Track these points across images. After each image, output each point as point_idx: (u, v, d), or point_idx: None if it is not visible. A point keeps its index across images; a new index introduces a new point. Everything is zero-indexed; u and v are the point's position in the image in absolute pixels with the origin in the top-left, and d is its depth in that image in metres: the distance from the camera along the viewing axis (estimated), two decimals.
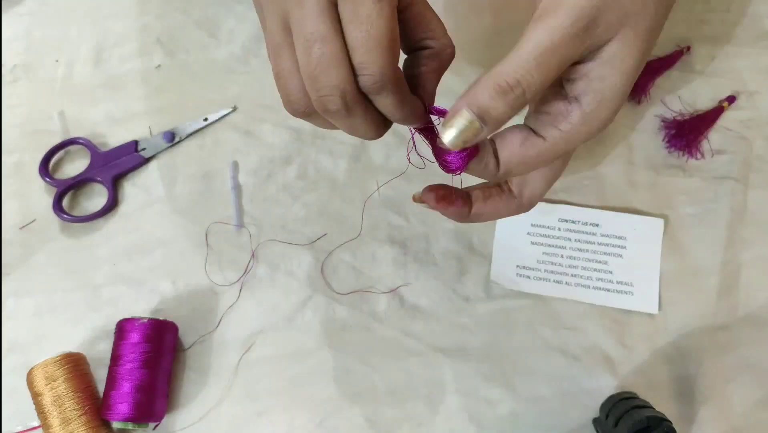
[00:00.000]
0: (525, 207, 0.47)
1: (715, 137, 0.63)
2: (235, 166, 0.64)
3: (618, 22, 0.37)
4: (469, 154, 0.40)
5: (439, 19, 0.41)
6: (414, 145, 0.44)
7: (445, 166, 0.42)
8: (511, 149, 0.41)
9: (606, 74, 0.38)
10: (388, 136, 0.63)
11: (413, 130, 0.42)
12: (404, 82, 0.38)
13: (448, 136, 0.37)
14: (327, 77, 0.36)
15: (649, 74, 0.63)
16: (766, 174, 0.62)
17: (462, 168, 0.41)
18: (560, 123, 0.40)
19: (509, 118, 0.37)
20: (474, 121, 0.37)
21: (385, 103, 0.37)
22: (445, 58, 0.41)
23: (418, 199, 0.46)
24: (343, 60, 0.36)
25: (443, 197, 0.45)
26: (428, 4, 0.41)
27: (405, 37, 0.40)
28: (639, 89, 0.63)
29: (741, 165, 0.62)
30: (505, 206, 0.47)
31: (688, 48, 0.64)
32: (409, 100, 0.39)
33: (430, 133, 0.42)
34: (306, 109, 0.38)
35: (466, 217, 0.47)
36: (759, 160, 0.62)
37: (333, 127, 0.40)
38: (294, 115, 0.39)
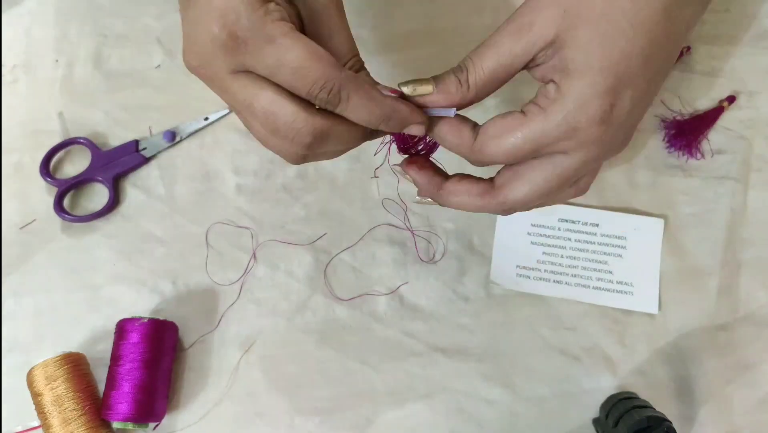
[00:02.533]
0: (501, 206, 0.44)
1: (715, 137, 0.62)
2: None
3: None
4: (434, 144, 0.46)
5: (345, 35, 0.42)
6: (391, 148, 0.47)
7: (409, 145, 0.46)
8: (491, 122, 0.42)
9: (563, 56, 0.39)
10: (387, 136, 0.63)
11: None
12: (360, 79, 0.40)
13: (405, 86, 0.41)
14: (282, 118, 0.39)
15: None
16: (766, 174, 0.62)
17: (425, 145, 0.45)
18: (539, 99, 0.41)
19: (457, 90, 0.41)
20: (429, 81, 0.42)
21: (354, 105, 0.39)
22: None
23: (399, 170, 0.47)
24: (282, 100, 0.38)
25: (415, 162, 0.46)
26: (336, 20, 0.42)
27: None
28: None
29: (741, 165, 0.62)
30: (478, 195, 0.45)
31: (688, 48, 0.64)
32: (377, 93, 0.40)
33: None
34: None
35: (436, 189, 0.45)
36: (759, 160, 0.62)
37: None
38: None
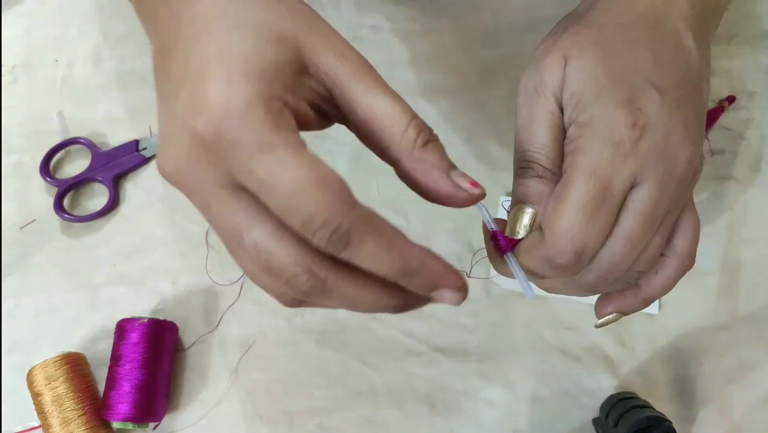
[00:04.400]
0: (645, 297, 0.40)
1: (715, 137, 0.63)
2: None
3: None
4: None
5: (389, 95, 0.33)
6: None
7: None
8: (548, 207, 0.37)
9: (570, 94, 0.38)
10: None
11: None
12: (378, 221, 0.30)
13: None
14: (277, 260, 0.30)
15: None
16: (766, 174, 0.62)
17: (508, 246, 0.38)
18: (567, 148, 0.37)
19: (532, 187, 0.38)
20: (518, 208, 0.38)
21: (366, 252, 0.30)
22: (413, 155, 0.33)
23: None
24: (280, 236, 0.30)
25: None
26: (373, 82, 0.33)
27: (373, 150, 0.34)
28: None
29: (741, 165, 0.62)
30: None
31: None
32: (401, 240, 0.31)
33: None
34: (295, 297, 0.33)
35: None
36: (759, 160, 0.62)
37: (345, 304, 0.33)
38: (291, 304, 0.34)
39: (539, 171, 0.38)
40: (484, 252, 0.41)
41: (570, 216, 0.35)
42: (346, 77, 0.33)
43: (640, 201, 0.35)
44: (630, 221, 0.35)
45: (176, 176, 0.31)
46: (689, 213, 0.39)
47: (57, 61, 0.67)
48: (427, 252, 0.32)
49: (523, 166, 0.38)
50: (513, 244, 0.38)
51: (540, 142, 0.38)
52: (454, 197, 0.33)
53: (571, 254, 0.35)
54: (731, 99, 0.63)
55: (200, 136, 0.29)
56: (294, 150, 0.29)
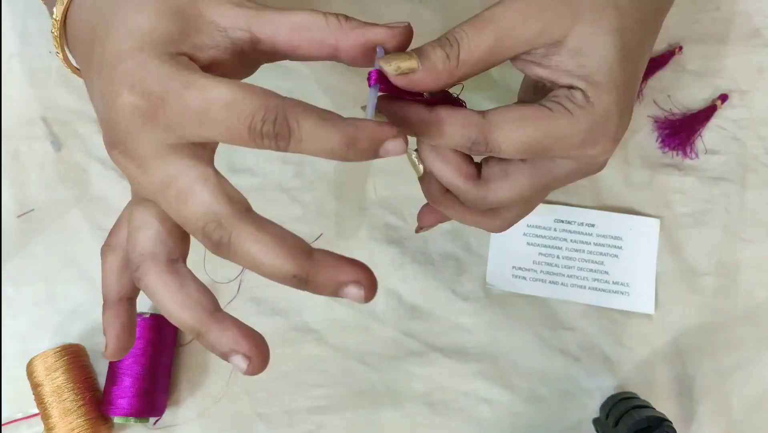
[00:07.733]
0: (480, 200, 0.40)
1: (709, 137, 0.63)
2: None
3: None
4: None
5: (297, 12, 0.36)
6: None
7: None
8: (509, 107, 0.38)
9: (585, 65, 0.37)
10: None
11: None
12: (307, 104, 0.33)
13: (386, 63, 0.36)
14: (193, 206, 0.34)
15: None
16: (762, 173, 0.62)
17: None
18: (564, 101, 0.37)
19: (444, 68, 0.37)
20: (412, 57, 0.37)
21: (307, 132, 0.32)
22: (344, 30, 0.37)
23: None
24: (203, 182, 0.34)
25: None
26: (278, 11, 0.36)
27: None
28: None
29: (736, 165, 0.62)
30: (465, 175, 0.40)
31: (680, 48, 0.64)
32: (332, 114, 0.33)
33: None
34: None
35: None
36: (754, 159, 0.62)
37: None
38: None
39: (452, 54, 0.37)
40: None
41: (516, 135, 0.37)
42: (253, 15, 0.35)
43: (556, 172, 0.40)
44: (533, 185, 0.40)
45: (121, 152, 0.34)
46: None
47: (51, 52, 0.66)
48: (356, 119, 0.33)
49: (445, 38, 0.37)
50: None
51: (480, 39, 0.37)
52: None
53: (488, 151, 0.38)
54: (724, 98, 0.63)
55: (130, 104, 0.32)
56: (210, 78, 0.32)
